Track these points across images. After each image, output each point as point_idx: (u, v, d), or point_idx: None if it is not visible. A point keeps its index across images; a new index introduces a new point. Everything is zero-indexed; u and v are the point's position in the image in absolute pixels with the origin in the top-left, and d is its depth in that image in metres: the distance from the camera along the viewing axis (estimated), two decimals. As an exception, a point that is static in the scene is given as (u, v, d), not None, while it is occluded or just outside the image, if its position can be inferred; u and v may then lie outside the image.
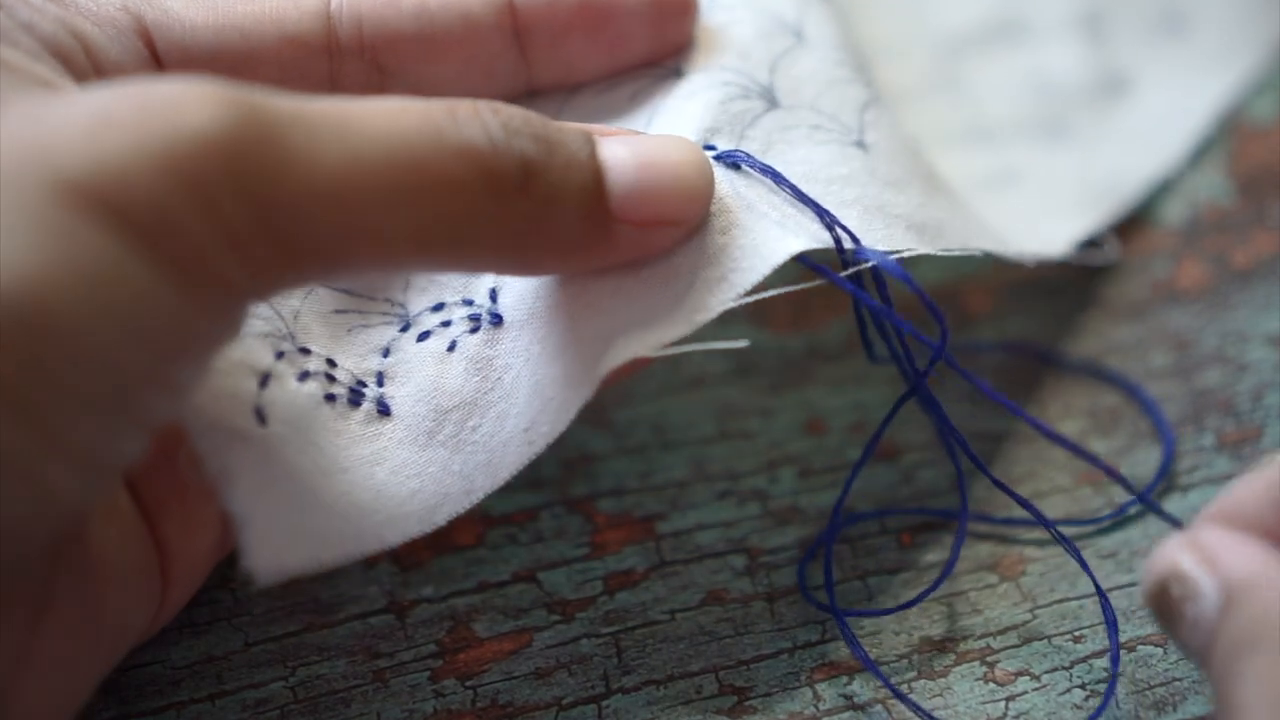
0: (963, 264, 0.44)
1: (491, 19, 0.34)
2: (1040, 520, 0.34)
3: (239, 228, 0.25)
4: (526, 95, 0.36)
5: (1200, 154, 0.47)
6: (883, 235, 0.33)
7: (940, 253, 0.34)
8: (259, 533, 0.28)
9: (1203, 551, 0.28)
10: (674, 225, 0.31)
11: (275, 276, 0.26)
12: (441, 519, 0.31)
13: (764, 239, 0.31)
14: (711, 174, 0.31)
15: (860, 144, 0.35)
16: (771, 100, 0.35)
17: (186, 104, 0.25)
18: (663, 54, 0.36)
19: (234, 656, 0.34)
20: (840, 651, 0.35)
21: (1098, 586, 0.34)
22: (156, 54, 0.32)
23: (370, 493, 0.31)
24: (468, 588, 0.35)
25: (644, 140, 0.31)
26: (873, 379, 0.41)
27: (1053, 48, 0.50)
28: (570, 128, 0.30)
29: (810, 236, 0.31)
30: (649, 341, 0.30)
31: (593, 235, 0.30)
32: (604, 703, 0.34)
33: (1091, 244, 0.43)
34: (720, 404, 0.40)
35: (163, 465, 0.31)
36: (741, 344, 0.30)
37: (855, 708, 0.33)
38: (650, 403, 0.40)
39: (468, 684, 0.34)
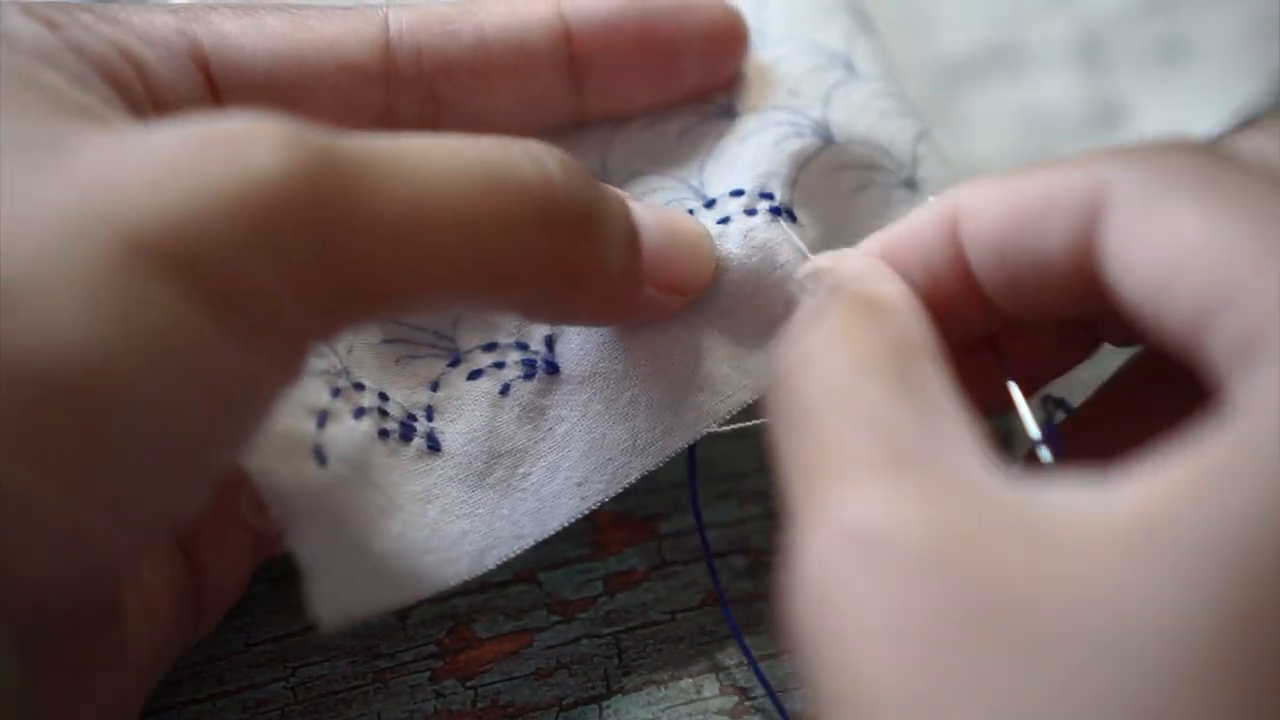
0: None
1: (547, 49, 0.33)
2: None
3: (308, 271, 0.24)
4: (574, 127, 0.36)
5: None
6: None
7: None
8: (324, 580, 0.28)
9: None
10: (686, 293, 0.32)
11: (341, 318, 0.26)
12: (491, 562, 0.31)
13: None
14: (714, 249, 0.33)
15: (910, 182, 0.36)
16: (827, 135, 0.35)
17: (254, 146, 0.24)
18: (713, 87, 0.36)
19: (234, 657, 0.34)
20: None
21: None
22: (212, 79, 0.31)
23: (423, 531, 0.31)
24: (468, 588, 0.35)
25: (660, 209, 0.32)
26: (873, 379, 0.41)
27: (1049, 78, 0.49)
28: (605, 185, 0.31)
29: None
30: (720, 411, 0.32)
31: (629, 289, 0.30)
32: (604, 703, 0.34)
33: None
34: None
35: (249, 508, 0.31)
36: None
37: (856, 708, 0.33)
38: (650, 403, 0.40)
39: (468, 684, 0.34)
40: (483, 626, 0.35)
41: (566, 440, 0.32)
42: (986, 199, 0.28)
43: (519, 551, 0.31)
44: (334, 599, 0.28)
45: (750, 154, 0.35)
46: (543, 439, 0.32)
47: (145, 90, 0.29)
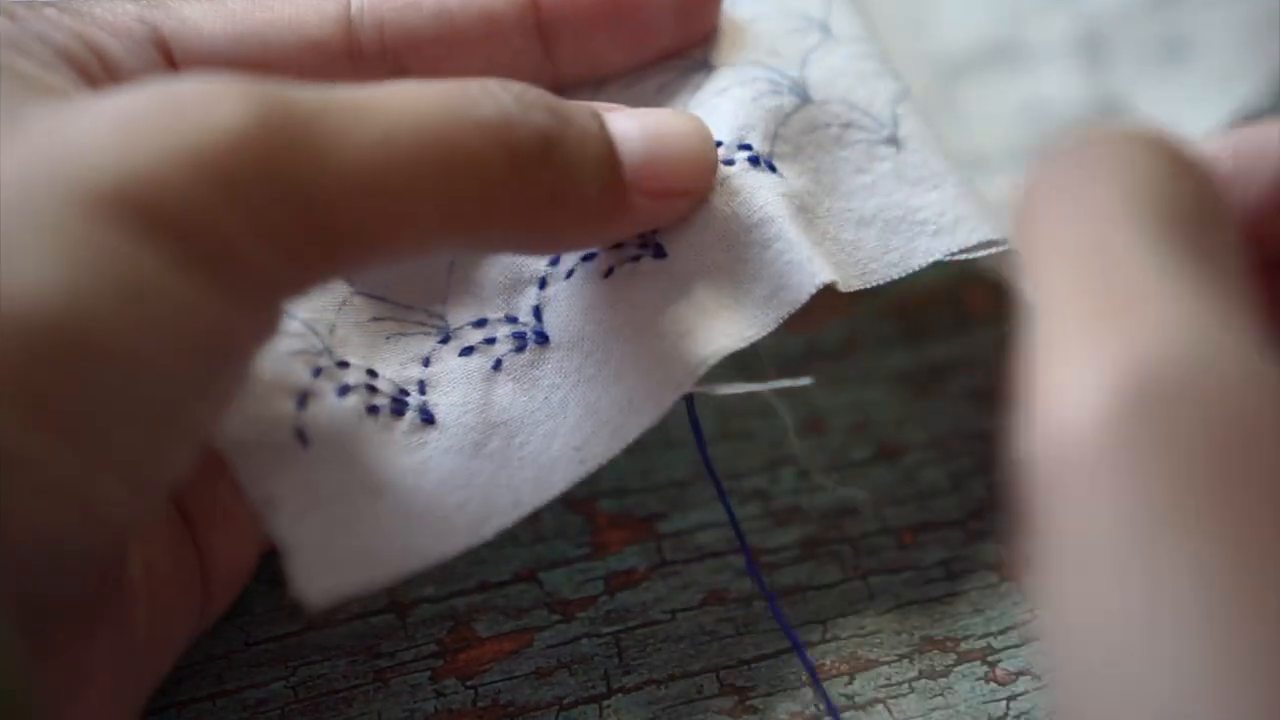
0: (963, 263, 0.44)
1: (514, 16, 0.33)
2: None
3: (276, 221, 0.24)
4: (554, 91, 0.36)
5: None
6: (899, 255, 0.33)
7: (965, 256, 0.34)
8: (306, 559, 0.28)
9: None
10: (685, 195, 0.31)
11: (313, 268, 0.26)
12: (489, 532, 0.31)
13: (808, 255, 0.32)
14: (714, 143, 0.32)
15: (892, 139, 0.35)
16: (804, 95, 0.35)
17: (211, 101, 0.24)
18: (688, 45, 0.36)
19: (234, 656, 0.34)
20: (840, 650, 0.35)
21: None
22: (174, 64, 0.31)
23: (418, 505, 0.31)
24: (468, 587, 0.35)
25: (647, 113, 0.31)
26: (874, 379, 0.41)
27: (1050, 73, 0.49)
28: (577, 103, 0.30)
29: (825, 275, 0.32)
30: (707, 357, 0.31)
31: (611, 205, 0.30)
32: (605, 702, 0.34)
33: None
34: (720, 403, 0.40)
35: (206, 476, 0.31)
36: (805, 381, 0.31)
37: (856, 708, 0.33)
38: (651, 402, 0.40)
39: (468, 684, 0.34)
40: (483, 626, 0.35)
41: (563, 407, 0.32)
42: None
43: (518, 519, 0.31)
44: (320, 577, 0.28)
45: (728, 107, 0.34)
46: (538, 408, 0.32)
47: (109, 78, 0.30)
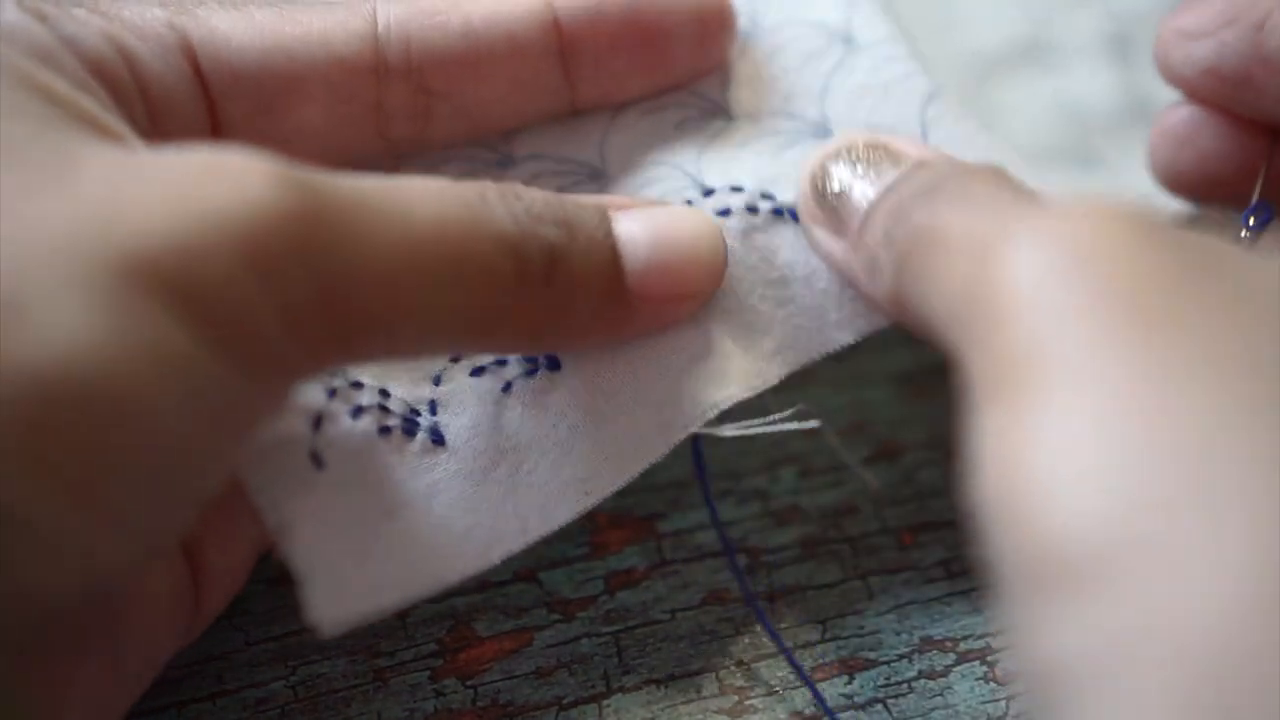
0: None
1: (537, 38, 0.34)
2: None
3: (298, 307, 0.25)
4: (571, 114, 0.36)
5: None
6: None
7: None
8: (321, 587, 0.28)
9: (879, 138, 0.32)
10: (690, 299, 0.32)
11: (327, 356, 0.26)
12: (497, 557, 0.31)
13: (819, 324, 0.33)
14: (724, 246, 0.32)
15: None
16: (826, 133, 0.35)
17: (251, 179, 0.24)
18: (704, 70, 0.36)
19: (234, 656, 0.34)
20: (840, 651, 0.35)
21: None
22: (201, 73, 0.31)
23: (428, 529, 0.31)
24: (468, 587, 0.35)
25: (657, 215, 0.32)
26: (873, 379, 0.41)
27: (1081, 71, 0.50)
28: (587, 204, 0.31)
29: (855, 330, 0.33)
30: (716, 401, 0.32)
31: (612, 314, 0.31)
32: (604, 702, 0.34)
33: None
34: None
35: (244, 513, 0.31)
36: (813, 425, 0.32)
37: (855, 707, 0.33)
38: (650, 402, 0.40)
39: (468, 683, 0.34)
40: (483, 625, 0.35)
41: (571, 438, 0.32)
42: None
43: (524, 546, 0.31)
44: (333, 604, 0.28)
45: (749, 159, 0.35)
46: (546, 435, 0.32)
47: (137, 85, 0.30)
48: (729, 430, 0.32)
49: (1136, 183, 0.46)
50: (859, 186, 0.31)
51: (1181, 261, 0.22)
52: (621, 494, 0.38)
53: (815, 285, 0.33)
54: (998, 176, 0.29)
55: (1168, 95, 0.46)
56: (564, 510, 0.32)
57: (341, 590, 0.28)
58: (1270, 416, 0.20)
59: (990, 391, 0.23)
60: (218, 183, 0.24)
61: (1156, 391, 0.21)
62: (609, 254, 0.30)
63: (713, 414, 0.32)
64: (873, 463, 0.39)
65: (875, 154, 0.32)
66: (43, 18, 0.28)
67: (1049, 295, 0.23)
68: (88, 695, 0.28)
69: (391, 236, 0.26)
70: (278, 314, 0.24)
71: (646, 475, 0.38)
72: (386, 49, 0.33)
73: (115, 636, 0.29)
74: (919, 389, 0.40)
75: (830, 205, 0.32)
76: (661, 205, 0.33)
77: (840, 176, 0.32)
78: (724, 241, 0.32)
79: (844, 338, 0.33)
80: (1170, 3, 0.50)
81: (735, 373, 0.32)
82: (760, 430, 0.32)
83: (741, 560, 0.36)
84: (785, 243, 0.33)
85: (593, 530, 0.37)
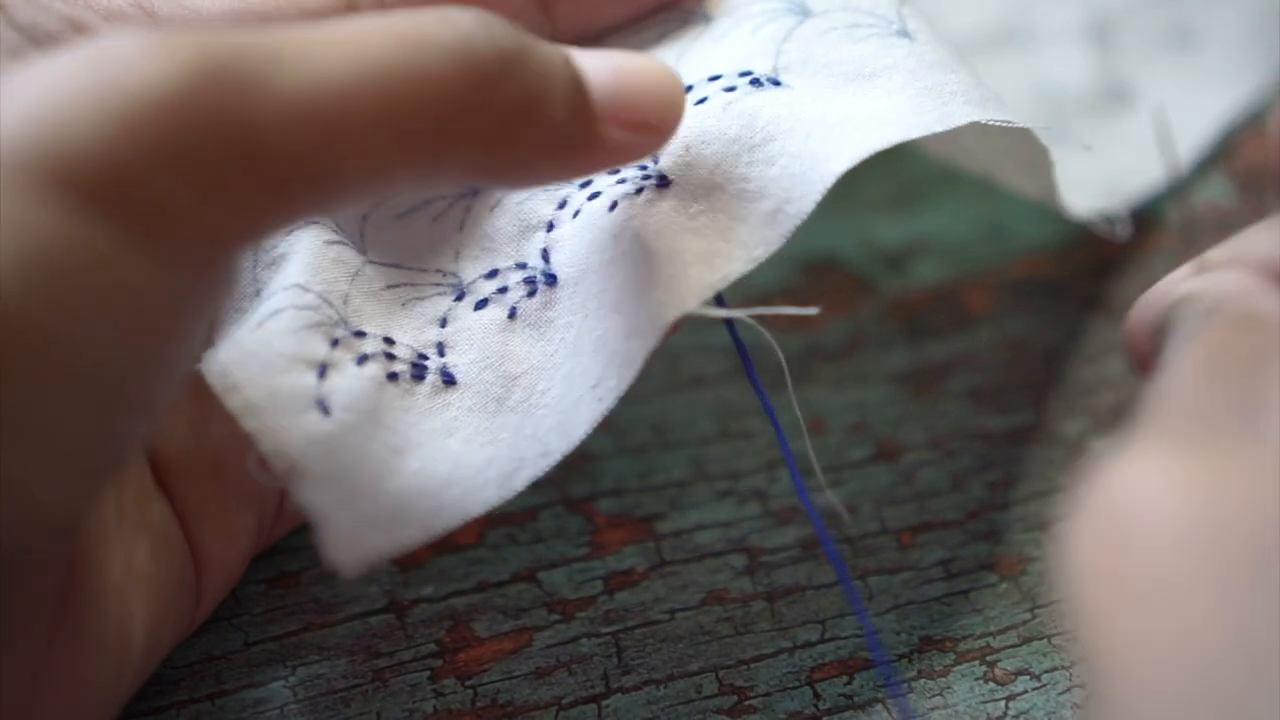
0: (963, 263, 0.44)
1: None
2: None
3: (214, 174, 0.23)
4: None
5: (1200, 168, 0.47)
6: (939, 114, 0.32)
7: (1001, 124, 0.33)
8: (337, 526, 0.28)
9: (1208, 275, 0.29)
10: (655, 131, 0.30)
11: (265, 215, 0.25)
12: (520, 484, 0.30)
13: (814, 163, 0.31)
14: (681, 84, 0.31)
15: (903, 33, 0.34)
16: (804, 11, 0.34)
17: (141, 59, 0.23)
18: None
19: (234, 656, 0.34)
20: (840, 651, 0.35)
21: None
22: None
23: (446, 465, 0.30)
24: (467, 587, 0.35)
25: (612, 52, 0.31)
26: (873, 379, 0.41)
27: (1058, 55, 0.49)
28: (542, 40, 0.30)
29: (855, 148, 0.31)
30: (710, 280, 0.30)
31: (581, 131, 0.29)
32: (604, 702, 0.34)
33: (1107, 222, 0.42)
34: (720, 404, 0.40)
35: (203, 473, 0.30)
36: (812, 311, 0.30)
37: (855, 707, 0.33)
38: (650, 402, 0.40)
39: (468, 684, 0.34)
40: (482, 626, 0.35)
41: (578, 345, 0.32)
42: None
43: (547, 469, 0.31)
44: (352, 543, 0.28)
45: (727, 49, 0.34)
46: (556, 350, 0.32)
47: None
48: (716, 313, 0.30)
49: (1112, 165, 0.46)
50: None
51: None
52: (621, 494, 0.38)
53: (801, 132, 0.32)
54: None
55: (1147, 80, 0.46)
56: (581, 422, 0.31)
57: (358, 529, 0.28)
58: None
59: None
60: (101, 69, 0.23)
61: None
62: (571, 69, 0.29)
63: (708, 294, 0.30)
64: (873, 463, 0.39)
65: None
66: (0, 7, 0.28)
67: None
68: (74, 674, 0.28)
69: (303, 77, 0.24)
70: (193, 189, 0.23)
71: (646, 476, 0.38)
72: (361, 5, 0.32)
73: (105, 615, 0.28)
74: (919, 389, 0.40)
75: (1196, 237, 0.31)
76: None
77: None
78: (681, 82, 0.31)
79: (839, 166, 0.31)
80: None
81: (732, 248, 0.31)
82: (751, 313, 0.30)
83: (741, 560, 0.36)
84: (765, 102, 0.32)
85: (592, 530, 0.37)
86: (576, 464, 0.38)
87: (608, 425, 0.39)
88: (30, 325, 0.22)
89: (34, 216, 0.22)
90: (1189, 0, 0.51)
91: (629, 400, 0.40)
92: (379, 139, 0.25)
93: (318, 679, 0.34)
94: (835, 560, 0.31)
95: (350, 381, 0.31)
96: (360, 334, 0.32)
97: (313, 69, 0.25)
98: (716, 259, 0.31)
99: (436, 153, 0.27)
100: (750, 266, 0.30)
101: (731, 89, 0.33)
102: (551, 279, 0.32)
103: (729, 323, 0.32)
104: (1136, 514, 0.22)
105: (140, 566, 0.29)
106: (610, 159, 0.30)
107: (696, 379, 0.41)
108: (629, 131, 0.30)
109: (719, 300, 0.32)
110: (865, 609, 0.35)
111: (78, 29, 0.29)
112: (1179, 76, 0.49)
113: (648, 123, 0.30)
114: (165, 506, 0.31)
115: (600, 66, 0.30)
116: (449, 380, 0.32)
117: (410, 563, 0.36)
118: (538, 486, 0.37)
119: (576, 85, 0.29)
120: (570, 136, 0.29)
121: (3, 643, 0.25)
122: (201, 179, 0.23)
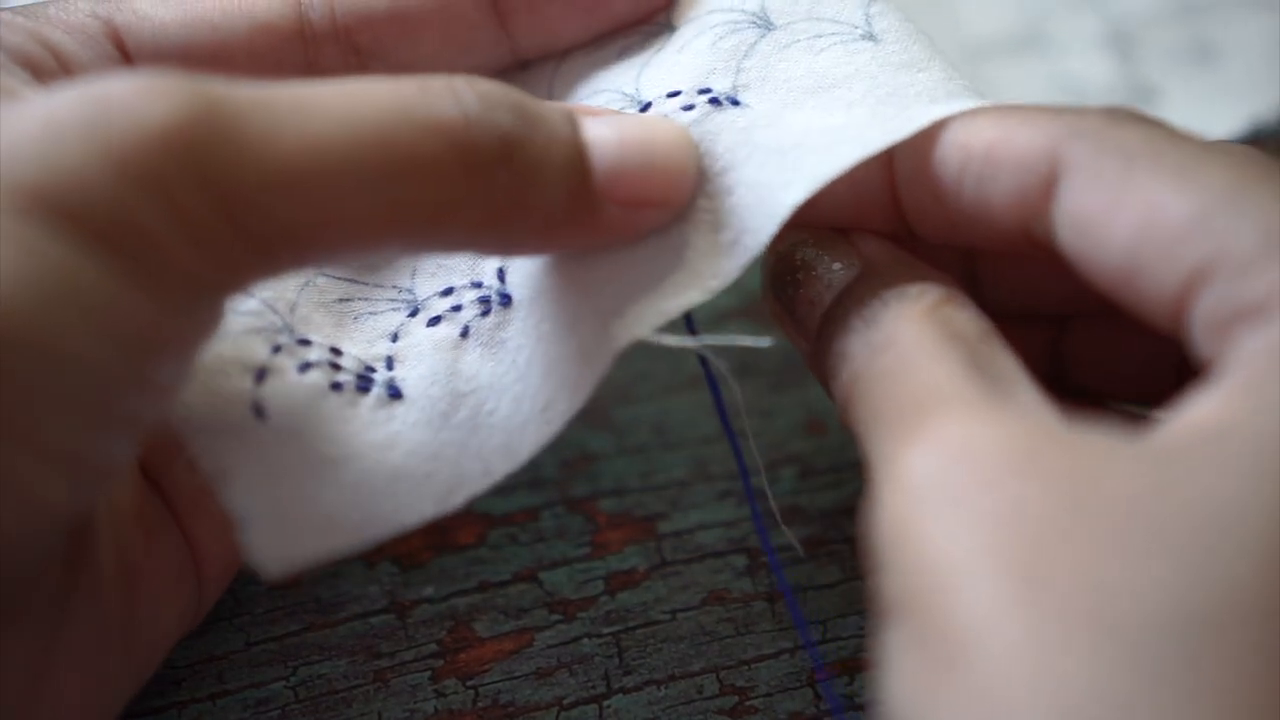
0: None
1: None
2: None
3: (200, 222, 0.24)
4: (517, 68, 0.35)
5: None
6: (898, 122, 0.31)
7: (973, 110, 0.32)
8: (261, 529, 0.28)
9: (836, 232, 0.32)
10: (658, 207, 0.30)
11: (246, 267, 0.26)
12: (459, 500, 0.30)
13: (769, 193, 0.30)
14: (698, 153, 0.31)
15: (868, 35, 0.34)
16: (766, 24, 0.34)
17: (136, 100, 0.24)
18: (648, 13, 0.35)
19: (235, 656, 0.34)
20: (840, 651, 0.35)
21: None
22: (128, 55, 0.31)
23: (383, 478, 0.30)
24: (469, 587, 0.36)
25: (627, 119, 0.31)
26: (873, 379, 0.41)
27: (1081, 58, 0.50)
28: (551, 105, 0.30)
29: (809, 177, 0.30)
30: (664, 309, 0.30)
31: (577, 212, 0.29)
32: (605, 702, 0.34)
33: None
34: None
35: (193, 468, 0.31)
36: (765, 343, 0.30)
37: (855, 708, 0.34)
38: (651, 402, 0.40)
39: (469, 684, 0.34)
40: (483, 626, 0.35)
41: (529, 367, 0.31)
42: (917, 142, 0.29)
43: (487, 488, 0.31)
44: (276, 546, 0.28)
45: (688, 60, 0.34)
46: (506, 371, 0.32)
47: (64, 74, 0.30)
48: (670, 341, 0.30)
49: None
50: (807, 289, 0.31)
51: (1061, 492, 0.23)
52: (622, 494, 0.38)
53: (756, 161, 0.31)
54: (950, 342, 0.28)
55: (1171, 85, 0.46)
56: (527, 443, 0.31)
57: (284, 533, 0.28)
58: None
59: (899, 617, 0.24)
60: (100, 106, 0.24)
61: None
62: (574, 148, 0.29)
63: (661, 322, 0.30)
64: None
65: (822, 251, 0.31)
66: None
67: (943, 529, 0.24)
68: (78, 669, 0.28)
69: (295, 138, 0.25)
70: (176, 230, 0.24)
71: (647, 476, 0.38)
72: (310, 12, 0.32)
73: (106, 610, 0.28)
74: (919, 389, 0.40)
75: (788, 299, 0.32)
76: (631, 114, 0.32)
77: (792, 274, 0.32)
78: (698, 151, 0.31)
79: (794, 196, 0.30)
80: (1169, 13, 0.50)
81: (688, 277, 0.30)
82: (707, 343, 0.31)
83: (742, 560, 0.36)
84: (723, 128, 0.32)
85: (593, 530, 0.37)
86: (577, 464, 0.38)
87: (608, 425, 0.39)
88: (23, 335, 0.23)
89: (31, 238, 0.23)
90: (1207, 19, 0.51)
91: (629, 400, 0.40)
92: (366, 213, 0.26)
93: (319, 679, 0.34)
94: (784, 587, 0.31)
95: (290, 388, 0.31)
96: (305, 342, 0.32)
97: (303, 133, 0.25)
98: (672, 287, 0.30)
99: (427, 228, 0.27)
100: (707, 296, 0.30)
101: (690, 107, 0.33)
102: (506, 299, 0.32)
103: (700, 356, 0.32)
104: (979, 456, 0.24)
105: (138, 561, 0.30)
106: (611, 234, 0.30)
107: (697, 379, 0.41)
108: (630, 209, 0.30)
109: (688, 321, 0.32)
110: (813, 639, 0.35)
111: (41, 42, 0.30)
112: (1198, 88, 0.50)
113: (650, 200, 0.30)
114: (159, 502, 0.31)
115: (607, 138, 0.29)
116: (395, 394, 0.32)
117: (411, 563, 0.36)
118: (539, 487, 0.37)
119: (577, 165, 0.29)
120: (567, 215, 0.29)
121: (5, 640, 0.26)
122: (183, 222, 0.24)
